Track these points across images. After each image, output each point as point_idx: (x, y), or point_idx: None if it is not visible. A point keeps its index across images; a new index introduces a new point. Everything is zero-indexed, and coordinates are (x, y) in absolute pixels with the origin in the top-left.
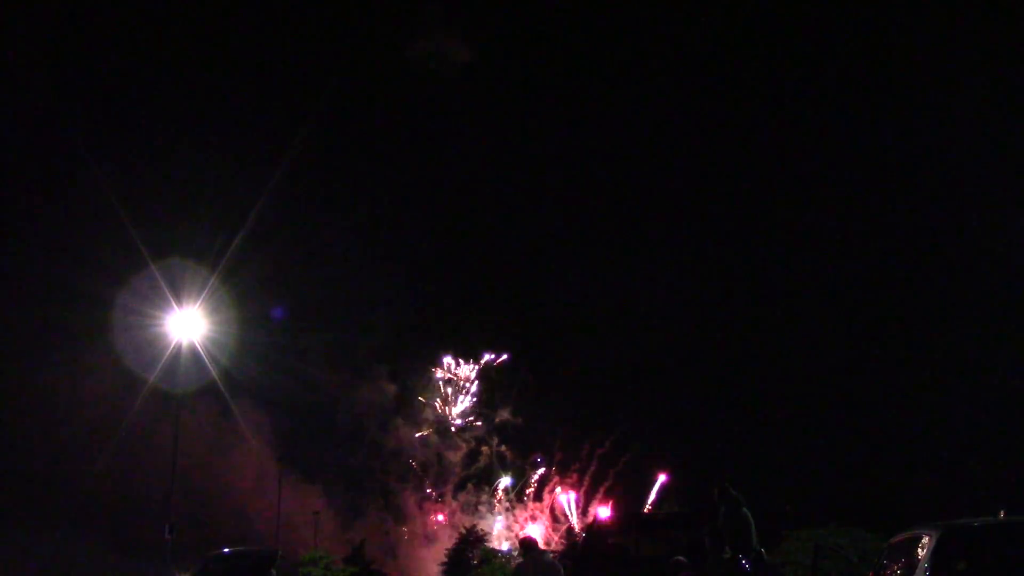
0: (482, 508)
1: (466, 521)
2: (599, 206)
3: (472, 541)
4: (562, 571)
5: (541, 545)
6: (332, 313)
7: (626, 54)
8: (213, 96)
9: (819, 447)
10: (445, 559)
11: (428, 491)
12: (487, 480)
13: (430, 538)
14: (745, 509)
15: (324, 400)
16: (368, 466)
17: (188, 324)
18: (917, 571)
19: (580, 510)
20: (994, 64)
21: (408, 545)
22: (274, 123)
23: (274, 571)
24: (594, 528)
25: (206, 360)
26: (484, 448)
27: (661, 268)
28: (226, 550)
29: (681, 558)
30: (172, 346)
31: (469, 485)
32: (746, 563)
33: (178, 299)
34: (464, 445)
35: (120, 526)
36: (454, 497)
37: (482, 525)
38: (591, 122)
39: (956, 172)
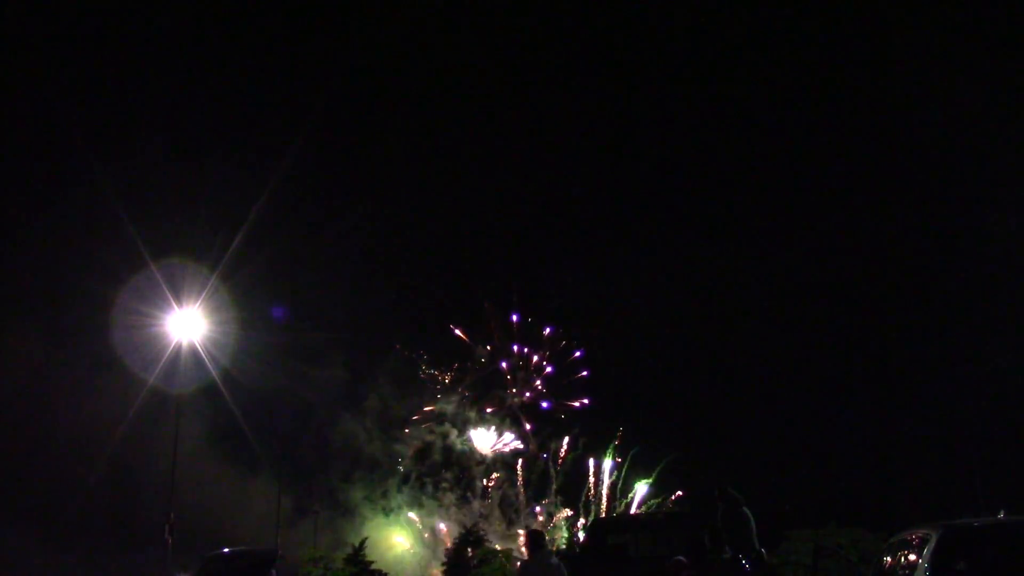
0: (429, 504)
1: (414, 516)
2: (590, 188)
3: (472, 541)
4: (565, 573)
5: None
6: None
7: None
8: (212, 94)
9: (819, 447)
10: (445, 559)
11: (380, 489)
12: (434, 472)
13: (382, 530)
14: (745, 509)
15: (277, 387)
16: (313, 459)
17: (188, 324)
18: (917, 571)
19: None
20: (994, 64)
21: (358, 538)
22: (273, 120)
23: (274, 571)
24: (594, 528)
25: (206, 360)
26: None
27: (658, 261)
28: (225, 550)
29: (681, 558)
30: (172, 346)
31: (413, 476)
32: (746, 563)
33: (178, 299)
34: (418, 440)
35: (118, 527)
36: (399, 491)
37: (433, 521)
38: (587, 87)
39: (961, 171)
